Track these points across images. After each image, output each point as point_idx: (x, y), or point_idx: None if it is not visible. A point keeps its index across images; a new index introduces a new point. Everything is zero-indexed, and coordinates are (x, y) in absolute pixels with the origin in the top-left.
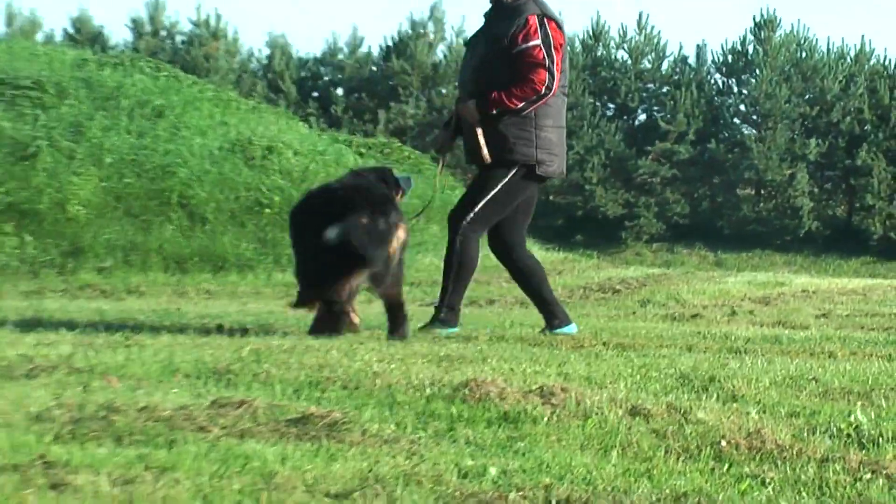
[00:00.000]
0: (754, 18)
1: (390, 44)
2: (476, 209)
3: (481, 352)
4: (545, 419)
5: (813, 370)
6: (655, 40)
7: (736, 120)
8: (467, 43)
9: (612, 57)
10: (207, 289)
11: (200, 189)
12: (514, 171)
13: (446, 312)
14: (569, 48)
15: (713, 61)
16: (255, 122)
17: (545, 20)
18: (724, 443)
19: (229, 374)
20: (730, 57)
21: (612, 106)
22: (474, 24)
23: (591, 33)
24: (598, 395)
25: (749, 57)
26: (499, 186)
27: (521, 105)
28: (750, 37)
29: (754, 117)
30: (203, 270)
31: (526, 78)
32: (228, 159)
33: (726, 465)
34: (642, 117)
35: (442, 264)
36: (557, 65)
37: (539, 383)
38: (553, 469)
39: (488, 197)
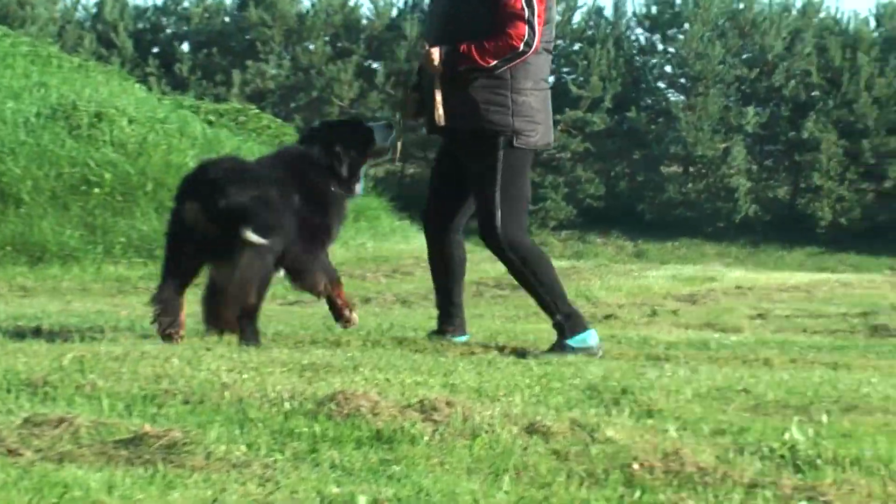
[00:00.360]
0: None
1: None
2: (498, 213)
3: (352, 359)
4: (426, 438)
5: (744, 380)
6: None
7: (661, 84)
8: None
9: None
10: (22, 284)
11: (13, 164)
12: (499, 145)
13: (564, 318)
14: None
15: (634, 13)
16: (80, 84)
17: None
18: (636, 465)
19: (46, 387)
20: (654, 8)
21: None
22: None
23: None
24: (489, 410)
25: (676, 8)
26: (498, 174)
27: (494, 63)
28: None
29: (682, 80)
30: (17, 262)
31: (501, 31)
32: (48, 128)
33: (638, 492)
34: (549, 80)
35: (519, 283)
36: (539, 16)
37: (420, 396)
38: (434, 497)
39: (497, 191)
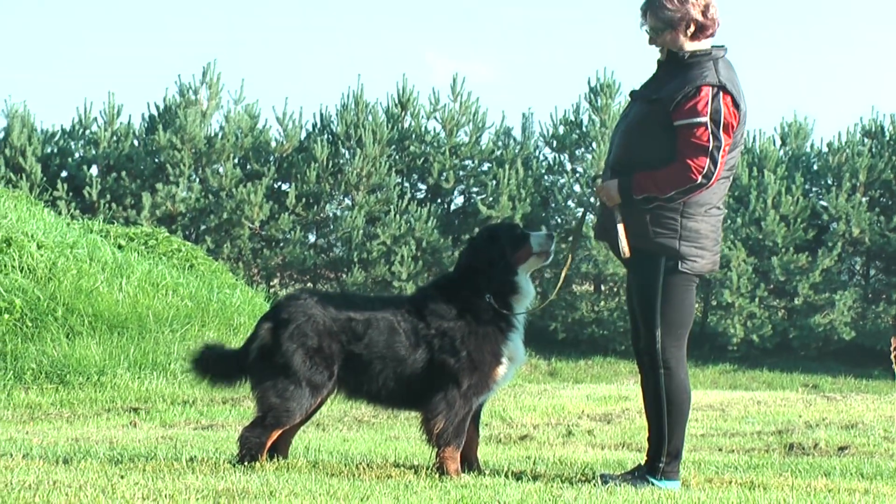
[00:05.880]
0: (589, 83)
1: (154, 113)
2: (658, 330)
3: (268, 484)
4: None
5: (661, 501)
6: (473, 109)
7: (570, 203)
8: (631, 93)
9: (423, 129)
10: None
11: None
12: (662, 264)
13: (667, 460)
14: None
15: (541, 134)
16: None
17: (721, 93)
18: None
19: None
20: (561, 128)
21: (422, 187)
22: (254, 86)
23: (396, 100)
24: None
25: (584, 128)
26: (659, 293)
27: (671, 194)
28: (584, 104)
29: (592, 199)
30: None
31: (682, 161)
32: None
33: None
34: (459, 200)
35: (643, 403)
36: (724, 151)
37: None
38: None
39: (657, 309)
